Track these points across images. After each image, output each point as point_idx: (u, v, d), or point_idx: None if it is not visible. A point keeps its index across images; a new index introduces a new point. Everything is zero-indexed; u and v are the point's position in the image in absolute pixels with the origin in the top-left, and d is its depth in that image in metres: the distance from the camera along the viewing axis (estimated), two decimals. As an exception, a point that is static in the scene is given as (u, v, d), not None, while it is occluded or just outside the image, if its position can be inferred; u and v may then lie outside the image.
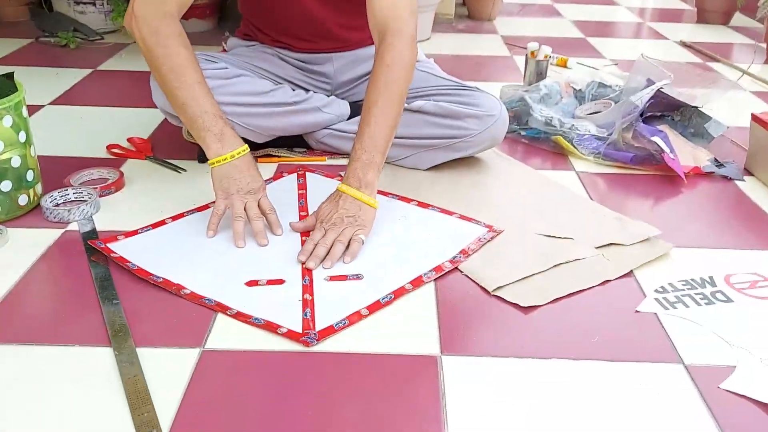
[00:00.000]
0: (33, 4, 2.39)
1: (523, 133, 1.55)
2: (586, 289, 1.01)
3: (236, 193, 1.09)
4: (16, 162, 1.12)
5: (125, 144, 1.45)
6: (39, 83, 1.82)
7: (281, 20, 1.35)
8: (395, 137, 1.33)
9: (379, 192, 1.26)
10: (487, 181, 1.33)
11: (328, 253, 1.04)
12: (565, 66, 2.14)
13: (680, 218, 1.25)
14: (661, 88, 1.46)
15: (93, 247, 1.07)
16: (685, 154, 1.43)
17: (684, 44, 2.48)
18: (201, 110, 1.09)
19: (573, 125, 1.52)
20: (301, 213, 1.19)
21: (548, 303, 0.98)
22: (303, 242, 1.09)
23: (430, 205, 1.22)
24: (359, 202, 1.08)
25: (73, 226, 1.14)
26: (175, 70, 1.09)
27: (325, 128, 1.40)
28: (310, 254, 1.04)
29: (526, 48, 1.83)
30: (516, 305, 0.97)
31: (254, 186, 1.11)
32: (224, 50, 1.50)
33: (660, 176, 1.40)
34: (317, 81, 1.43)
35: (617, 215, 1.21)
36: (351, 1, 1.30)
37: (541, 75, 1.79)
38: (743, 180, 1.40)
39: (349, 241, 1.05)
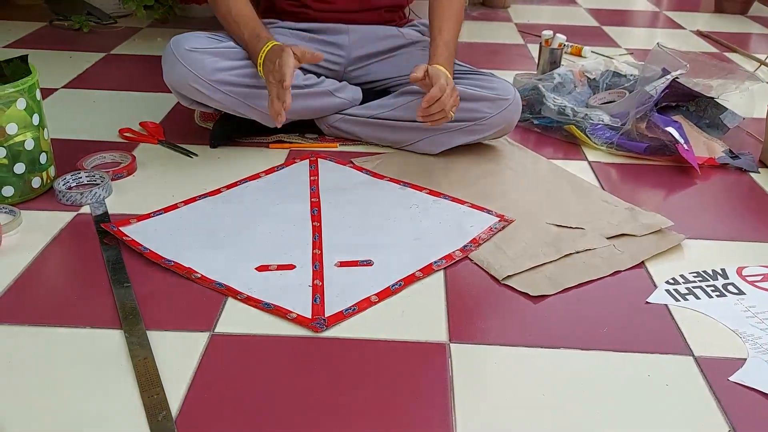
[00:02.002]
0: (47, -12, 2.40)
1: (535, 122, 1.54)
2: (596, 280, 1.01)
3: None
4: (29, 144, 1.12)
5: (137, 128, 1.45)
6: (52, 66, 1.83)
7: None
8: (408, 120, 1.34)
9: (391, 180, 1.26)
10: (499, 170, 1.33)
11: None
12: (579, 55, 2.12)
13: (693, 209, 1.24)
14: (677, 78, 1.44)
15: (105, 230, 1.07)
16: (699, 145, 1.42)
17: (701, 34, 2.45)
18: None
19: (586, 114, 1.50)
20: (313, 200, 1.19)
21: (558, 293, 0.98)
22: (314, 228, 1.10)
23: (441, 194, 1.22)
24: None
25: (86, 209, 1.15)
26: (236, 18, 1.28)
27: (337, 113, 1.40)
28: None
29: (540, 36, 1.81)
30: (525, 294, 0.97)
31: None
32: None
33: (673, 167, 1.38)
34: (331, 54, 1.42)
35: (629, 206, 1.20)
36: None
37: (554, 64, 1.78)
38: (758, 172, 1.38)
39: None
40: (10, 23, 2.22)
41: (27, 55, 1.18)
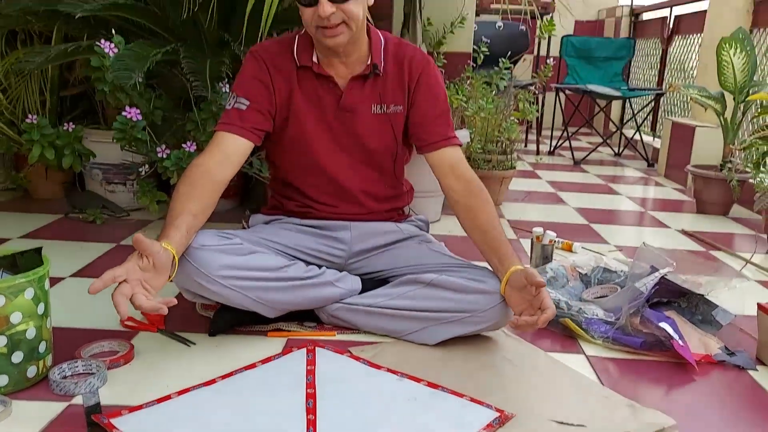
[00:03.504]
0: (68, 183, 2.56)
1: (531, 315, 1.56)
2: (601, 482, 0.97)
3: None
4: (30, 333, 1.13)
5: (139, 316, 1.47)
6: (63, 256, 1.89)
7: (309, 188, 1.49)
8: (406, 310, 1.36)
9: (389, 370, 1.26)
10: (497, 363, 1.33)
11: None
12: (570, 250, 2.20)
13: (694, 407, 1.22)
14: (665, 275, 1.49)
15: (95, 422, 1.05)
16: (694, 341, 1.43)
17: (685, 233, 2.56)
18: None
19: (581, 308, 1.53)
20: (308, 390, 1.17)
21: (562, 496, 0.93)
22: (308, 421, 1.07)
23: (440, 386, 1.21)
24: None
25: (78, 400, 1.13)
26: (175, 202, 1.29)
27: (337, 302, 1.43)
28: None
29: (531, 232, 1.90)
30: (528, 498, 0.92)
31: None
32: (243, 227, 1.58)
33: (671, 363, 1.38)
34: (333, 248, 1.48)
35: (629, 402, 1.18)
36: (379, 173, 1.49)
37: (547, 258, 1.85)
38: (756, 369, 1.38)
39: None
40: (28, 215, 2.33)
41: (41, 247, 1.23)
